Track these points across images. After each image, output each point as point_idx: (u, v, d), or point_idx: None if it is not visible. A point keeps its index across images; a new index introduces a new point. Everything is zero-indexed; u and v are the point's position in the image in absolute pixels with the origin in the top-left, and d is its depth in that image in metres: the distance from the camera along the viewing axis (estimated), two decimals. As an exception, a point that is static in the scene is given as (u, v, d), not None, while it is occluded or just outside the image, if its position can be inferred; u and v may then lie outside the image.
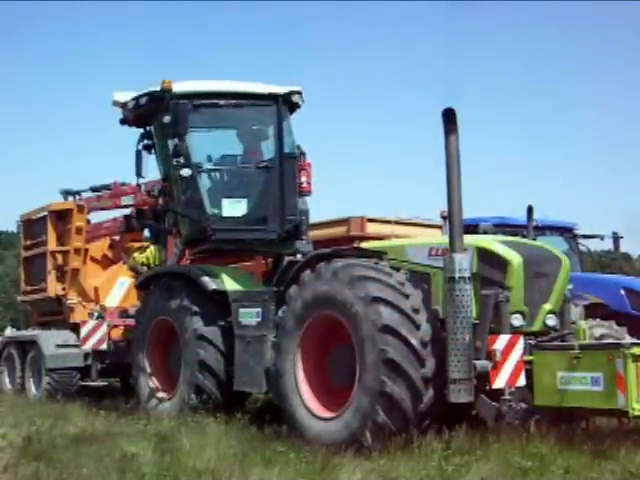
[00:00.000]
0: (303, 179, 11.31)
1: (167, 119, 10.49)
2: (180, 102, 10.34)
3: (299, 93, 11.02)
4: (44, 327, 14.90)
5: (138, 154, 11.33)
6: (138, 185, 12.36)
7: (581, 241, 15.15)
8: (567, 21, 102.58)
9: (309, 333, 8.71)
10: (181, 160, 10.51)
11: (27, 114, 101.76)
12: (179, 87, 10.60)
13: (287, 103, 10.97)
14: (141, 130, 11.46)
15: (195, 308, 10.24)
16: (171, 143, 10.71)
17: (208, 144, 11.09)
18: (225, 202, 10.59)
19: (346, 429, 8.03)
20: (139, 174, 11.31)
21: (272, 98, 10.92)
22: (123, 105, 11.30)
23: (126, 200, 14.72)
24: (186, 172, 10.45)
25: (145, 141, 11.36)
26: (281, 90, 10.97)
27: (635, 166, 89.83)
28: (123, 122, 11.54)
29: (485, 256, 8.46)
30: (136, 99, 11.01)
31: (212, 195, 10.61)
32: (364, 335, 7.99)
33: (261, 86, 11.03)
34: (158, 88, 10.61)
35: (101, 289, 14.64)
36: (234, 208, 10.62)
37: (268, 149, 11.06)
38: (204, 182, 10.68)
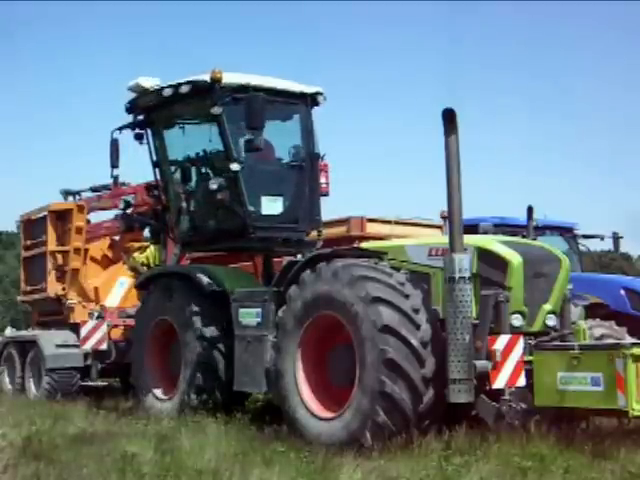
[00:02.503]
0: (322, 180, 11.32)
1: (217, 110, 10.21)
2: (257, 95, 9.99)
3: (322, 94, 11.00)
4: (44, 327, 14.90)
5: (114, 144, 11.14)
6: (115, 178, 11.88)
7: (581, 241, 15.19)
8: (568, 22, 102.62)
9: (309, 333, 8.71)
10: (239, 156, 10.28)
11: (27, 114, 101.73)
12: (225, 78, 10.34)
13: (312, 103, 10.95)
14: (121, 119, 11.26)
15: (195, 308, 10.23)
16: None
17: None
18: (264, 200, 10.49)
19: (346, 429, 8.04)
20: (115, 165, 11.13)
21: (302, 97, 10.87)
22: (144, 91, 10.97)
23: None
24: (235, 167, 10.24)
25: (137, 130, 11.21)
26: (309, 89, 10.91)
27: (635, 166, 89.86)
28: (131, 109, 11.28)
29: (485, 256, 8.46)
30: (175, 87, 10.60)
31: (251, 192, 10.42)
32: (364, 335, 7.99)
33: (292, 84, 10.93)
34: (205, 77, 10.27)
35: (101, 289, 14.64)
36: (271, 206, 10.54)
37: (295, 148, 10.96)
38: (245, 178, 10.41)
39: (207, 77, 10.24)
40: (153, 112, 11.22)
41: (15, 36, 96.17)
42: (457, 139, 7.84)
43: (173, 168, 11.28)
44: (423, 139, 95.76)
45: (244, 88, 10.30)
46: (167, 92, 10.67)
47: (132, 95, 11.33)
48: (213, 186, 10.43)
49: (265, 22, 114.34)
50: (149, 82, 10.95)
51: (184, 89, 10.48)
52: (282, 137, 11.11)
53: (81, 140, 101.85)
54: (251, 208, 10.37)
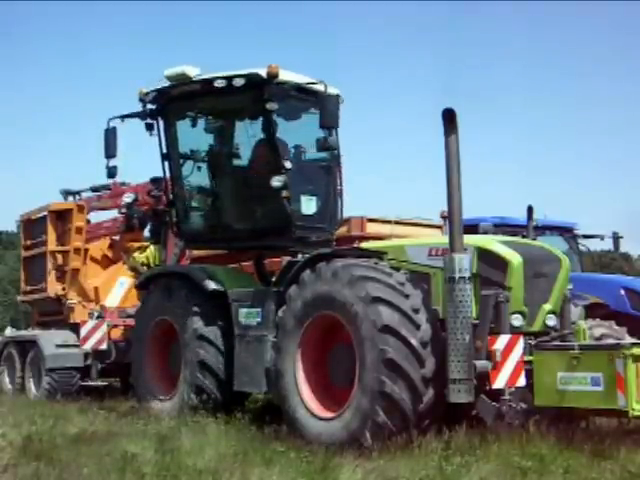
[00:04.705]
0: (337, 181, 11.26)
1: (273, 106, 9.99)
2: (331, 95, 9.78)
3: (340, 96, 10.81)
4: (44, 327, 14.90)
5: (112, 132, 10.74)
6: (111, 169, 10.87)
7: (581, 241, 15.19)
8: (566, 22, 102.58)
9: (309, 333, 8.71)
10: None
11: (27, 114, 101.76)
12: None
13: None
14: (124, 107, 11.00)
15: (195, 308, 10.22)
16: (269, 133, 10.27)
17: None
18: (303, 199, 10.38)
19: (346, 429, 8.04)
20: (112, 154, 10.71)
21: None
22: (187, 80, 10.53)
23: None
24: (289, 164, 10.06)
25: (148, 120, 10.87)
26: (332, 91, 10.64)
27: (635, 166, 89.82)
28: (159, 97, 10.82)
29: (485, 256, 8.47)
30: (228, 78, 10.15)
31: (293, 191, 10.26)
32: (364, 335, 7.99)
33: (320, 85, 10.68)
34: (261, 72, 9.96)
35: (101, 289, 14.65)
36: (308, 205, 10.44)
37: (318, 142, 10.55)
38: (290, 177, 10.15)
39: (263, 72, 9.96)
40: (179, 102, 10.86)
41: (15, 35, 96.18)
42: (457, 139, 7.84)
43: (185, 161, 11.01)
44: (423, 139, 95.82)
45: (292, 87, 10.18)
46: (219, 83, 10.22)
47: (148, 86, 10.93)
48: (277, 184, 10.03)
49: (259, 22, 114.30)
50: (193, 71, 10.56)
51: (238, 82, 10.08)
52: (307, 137, 10.78)
53: (81, 140, 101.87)
54: (294, 207, 10.22)
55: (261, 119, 10.36)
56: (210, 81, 10.30)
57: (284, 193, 10.08)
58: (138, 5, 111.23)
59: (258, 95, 10.06)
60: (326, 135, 9.93)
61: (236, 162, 10.95)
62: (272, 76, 9.93)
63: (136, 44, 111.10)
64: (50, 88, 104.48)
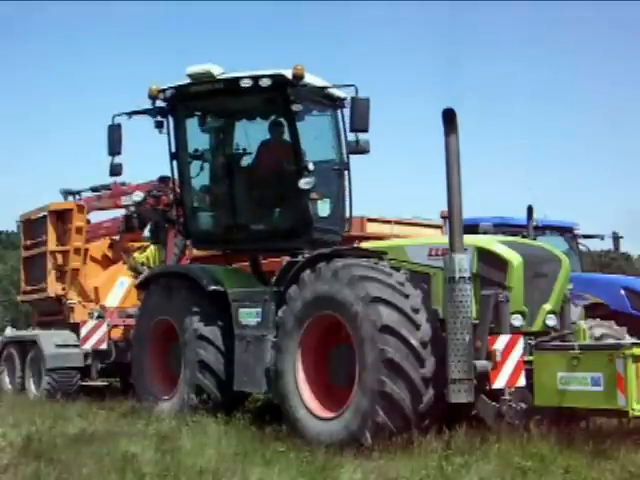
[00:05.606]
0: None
1: (298, 107, 9.91)
2: (362, 98, 9.56)
3: (346, 99, 10.71)
4: (44, 327, 14.91)
5: (116, 129, 10.56)
6: (115, 167, 10.63)
7: (581, 241, 15.21)
8: (566, 21, 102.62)
9: (309, 333, 8.71)
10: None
11: (27, 113, 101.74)
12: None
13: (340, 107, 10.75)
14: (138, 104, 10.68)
15: (195, 308, 10.23)
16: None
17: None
18: (319, 201, 10.28)
19: (346, 429, 8.04)
20: (117, 151, 10.52)
21: (340, 101, 10.55)
22: (211, 78, 10.32)
23: (126, 200, 14.71)
24: (312, 166, 9.99)
25: (159, 117, 10.70)
26: (342, 94, 10.62)
27: (635, 166, 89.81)
28: (177, 96, 10.62)
29: (485, 256, 8.48)
30: (254, 79, 9.98)
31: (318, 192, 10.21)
32: (364, 335, 7.99)
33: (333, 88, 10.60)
34: (286, 73, 9.84)
35: (101, 289, 14.66)
36: (323, 208, 10.38)
37: (327, 150, 10.77)
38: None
39: (288, 73, 9.85)
40: (195, 100, 10.71)
41: (13, 35, 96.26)
42: (457, 139, 7.85)
43: (196, 161, 10.89)
44: (423, 139, 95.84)
45: (316, 90, 10.13)
46: (246, 83, 10.04)
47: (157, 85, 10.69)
48: (306, 186, 9.92)
49: (255, 21, 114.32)
50: (217, 70, 10.37)
51: (265, 82, 9.94)
52: (320, 139, 10.83)
53: (81, 140, 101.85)
54: (312, 209, 10.16)
55: (281, 120, 10.31)
56: (235, 80, 10.13)
57: (313, 195, 10.04)
58: (138, 5, 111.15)
59: (280, 96, 9.99)
60: (357, 138, 9.88)
61: (253, 163, 10.81)
62: (298, 77, 9.84)
63: (137, 43, 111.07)
64: (50, 88, 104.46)
